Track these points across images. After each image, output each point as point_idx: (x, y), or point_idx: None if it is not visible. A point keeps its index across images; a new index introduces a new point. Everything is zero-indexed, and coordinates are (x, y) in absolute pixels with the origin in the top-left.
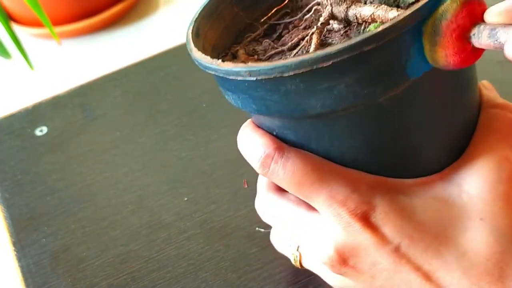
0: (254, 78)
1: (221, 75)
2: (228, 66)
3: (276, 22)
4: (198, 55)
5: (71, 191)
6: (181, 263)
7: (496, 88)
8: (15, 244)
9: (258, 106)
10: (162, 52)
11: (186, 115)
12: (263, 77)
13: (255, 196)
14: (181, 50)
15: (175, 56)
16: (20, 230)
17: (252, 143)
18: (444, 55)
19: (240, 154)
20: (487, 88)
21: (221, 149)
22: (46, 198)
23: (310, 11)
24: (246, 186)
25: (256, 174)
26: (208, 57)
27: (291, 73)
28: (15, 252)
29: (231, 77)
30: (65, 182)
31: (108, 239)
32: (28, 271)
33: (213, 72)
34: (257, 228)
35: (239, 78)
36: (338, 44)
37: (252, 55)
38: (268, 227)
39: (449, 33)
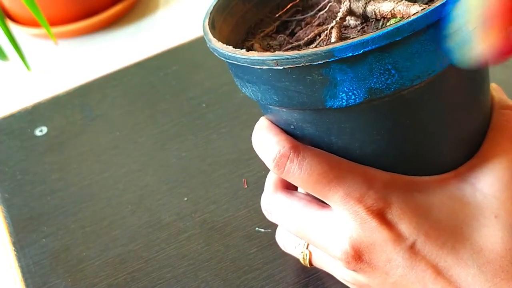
0: (281, 67)
1: (245, 64)
2: (254, 55)
3: (288, 19)
4: (219, 45)
5: (71, 191)
6: (181, 263)
7: None
8: (15, 244)
9: (280, 98)
10: (162, 52)
11: (186, 115)
12: (291, 66)
13: (255, 196)
14: (181, 50)
15: (175, 56)
16: (20, 230)
17: (266, 142)
18: (484, 51)
19: (240, 154)
20: (496, 91)
21: (221, 149)
22: (46, 198)
23: (324, 8)
24: (246, 186)
25: (256, 174)
26: (231, 47)
27: (321, 61)
28: (15, 252)
29: (255, 67)
30: (65, 182)
31: (108, 239)
32: (28, 271)
33: (235, 62)
34: (257, 228)
35: (264, 67)
36: (370, 32)
37: (268, 50)
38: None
39: (491, 23)
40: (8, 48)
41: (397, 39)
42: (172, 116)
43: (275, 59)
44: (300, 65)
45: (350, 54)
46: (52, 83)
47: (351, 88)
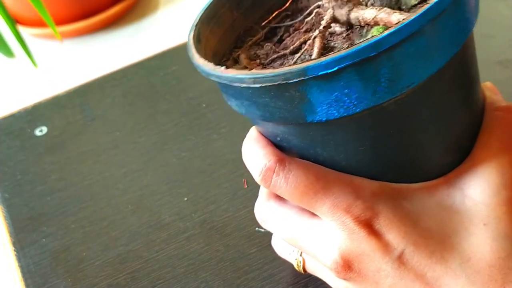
0: (259, 85)
1: (225, 82)
2: (232, 73)
3: (276, 25)
4: (201, 62)
5: (71, 191)
6: (181, 263)
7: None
8: (15, 244)
9: (262, 113)
10: (162, 52)
11: (186, 115)
12: (268, 84)
13: (255, 196)
14: (180, 50)
15: (175, 56)
16: (20, 230)
17: (253, 154)
18: None
19: (240, 154)
20: (491, 90)
21: (221, 149)
22: (46, 198)
23: (311, 14)
24: (246, 186)
25: None
26: (211, 64)
27: (296, 79)
28: (15, 252)
29: (235, 84)
30: (65, 182)
31: (108, 239)
32: (28, 271)
33: (216, 79)
34: (256, 229)
35: (243, 85)
36: (341, 50)
37: (254, 60)
38: None
39: None
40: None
41: (372, 54)
42: (172, 116)
43: (252, 78)
44: (277, 83)
45: (324, 72)
46: (52, 83)
47: (329, 103)
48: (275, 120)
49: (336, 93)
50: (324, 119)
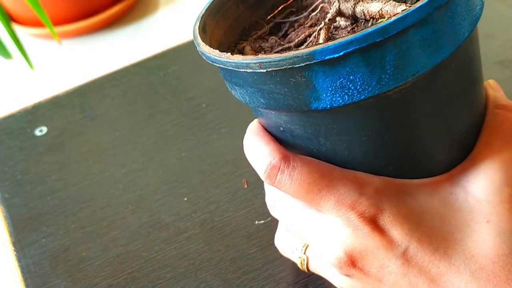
0: (264, 70)
1: (230, 68)
2: (238, 58)
3: (281, 20)
4: (207, 49)
5: (71, 191)
6: (181, 263)
7: None
8: (15, 244)
9: (266, 100)
10: (162, 52)
11: (186, 115)
12: (274, 68)
13: (255, 196)
14: (181, 50)
15: (175, 56)
16: (20, 230)
17: (257, 151)
18: None
19: (240, 154)
20: (494, 88)
21: (221, 149)
22: (45, 198)
23: (316, 9)
24: (246, 186)
25: (256, 174)
26: (217, 51)
27: (302, 64)
28: (15, 252)
29: (240, 70)
30: (65, 182)
31: (108, 239)
32: (28, 271)
33: (221, 66)
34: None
35: (249, 70)
36: (349, 35)
37: (259, 52)
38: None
39: None
40: (10, 48)
41: (378, 40)
42: (172, 116)
43: (258, 62)
44: (283, 67)
45: (331, 56)
46: (52, 83)
47: (334, 90)
48: (279, 108)
49: (341, 80)
50: (329, 106)
